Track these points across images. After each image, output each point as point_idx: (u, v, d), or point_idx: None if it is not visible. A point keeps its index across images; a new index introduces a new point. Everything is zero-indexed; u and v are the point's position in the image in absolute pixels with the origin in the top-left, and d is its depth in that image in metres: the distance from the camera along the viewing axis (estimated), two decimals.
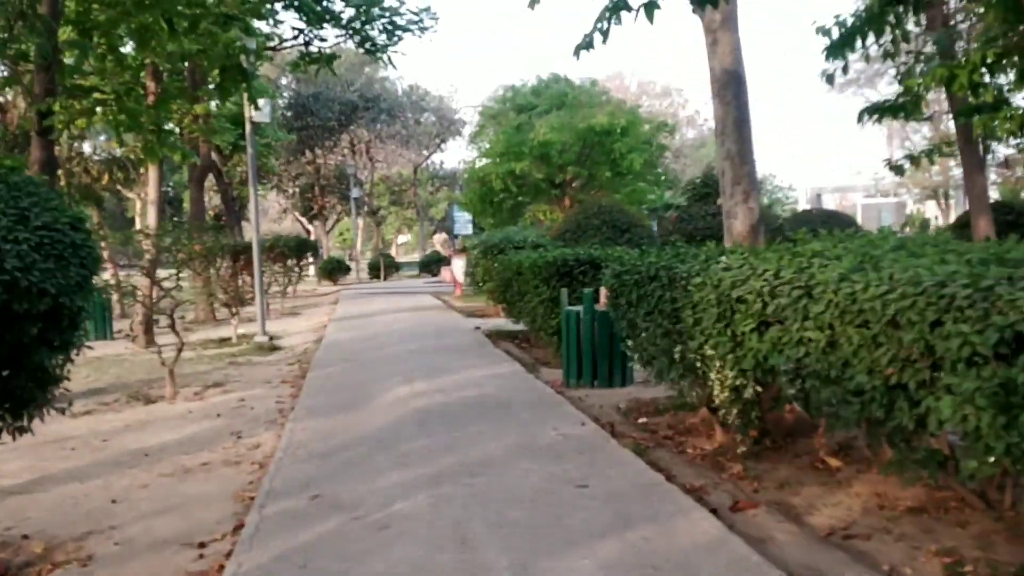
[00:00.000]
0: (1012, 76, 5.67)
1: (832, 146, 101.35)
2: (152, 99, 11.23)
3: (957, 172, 37.10)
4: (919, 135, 35.21)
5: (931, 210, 45.44)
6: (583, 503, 4.81)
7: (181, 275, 10.37)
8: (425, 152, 48.42)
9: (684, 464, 5.77)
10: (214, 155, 25.44)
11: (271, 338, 13.75)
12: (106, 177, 18.22)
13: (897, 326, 3.93)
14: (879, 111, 7.00)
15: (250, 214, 13.91)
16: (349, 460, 6.06)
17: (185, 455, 6.67)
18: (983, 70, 5.66)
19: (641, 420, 7.34)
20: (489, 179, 21.15)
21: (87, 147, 19.39)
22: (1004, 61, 5.96)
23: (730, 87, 7.13)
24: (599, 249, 10.57)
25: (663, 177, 23.85)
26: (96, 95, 9.75)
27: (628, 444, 6.18)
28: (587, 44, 5.29)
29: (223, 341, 14.68)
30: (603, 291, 9.27)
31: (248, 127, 13.53)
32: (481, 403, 8.04)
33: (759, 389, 5.51)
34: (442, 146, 47.26)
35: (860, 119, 7.30)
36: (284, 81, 39.90)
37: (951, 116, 12.65)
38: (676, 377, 6.44)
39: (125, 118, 9.64)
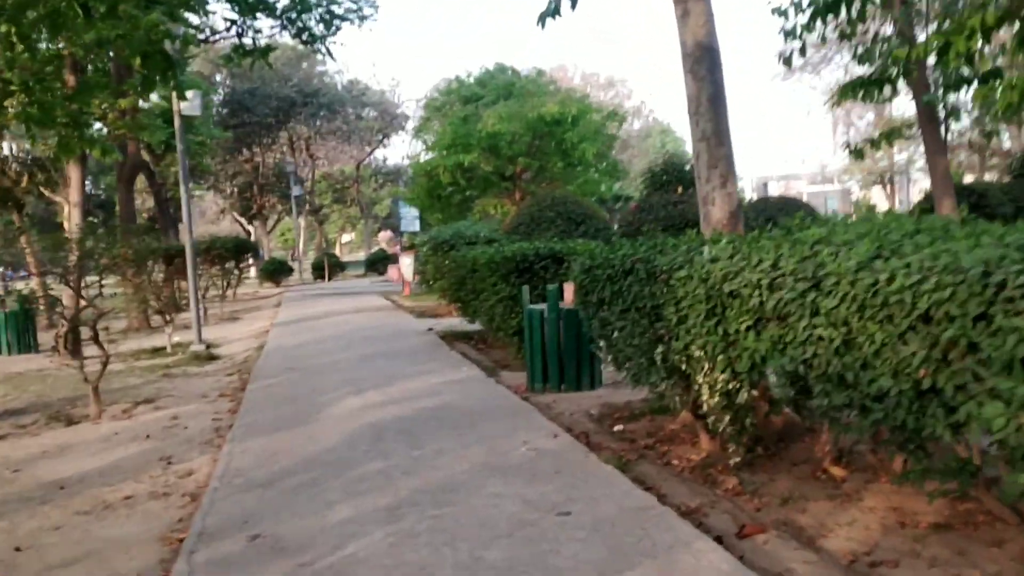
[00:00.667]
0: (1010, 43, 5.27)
1: (774, 135, 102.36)
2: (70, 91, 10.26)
3: (900, 158, 37.51)
4: (864, 121, 35.43)
5: (876, 196, 45.91)
6: (568, 535, 4.17)
7: (104, 282, 9.50)
8: (367, 148, 47.36)
9: (673, 479, 5.18)
10: (146, 155, 24.27)
11: (208, 347, 12.87)
12: (26, 179, 17.02)
13: (930, 321, 3.38)
14: (863, 85, 6.52)
15: (183, 214, 13.00)
16: (295, 489, 5.34)
17: (107, 487, 5.88)
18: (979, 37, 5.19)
19: (617, 427, 6.75)
20: (436, 172, 20.35)
21: (5, 148, 18.11)
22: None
23: (704, 62, 6.56)
24: (560, 242, 9.96)
25: (614, 167, 23.32)
26: (2, 87, 8.80)
27: (608, 458, 5.57)
28: (554, 10, 4.67)
29: (157, 351, 13.75)
30: (568, 287, 8.68)
31: (177, 121, 12.59)
32: (441, 414, 7.37)
33: (754, 393, 4.96)
34: (385, 142, 46.24)
35: (843, 96, 6.83)
36: (219, 77, 38.57)
37: (911, 98, 12.28)
38: (657, 380, 5.87)
39: (36, 111, 8.71)
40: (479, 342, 12.53)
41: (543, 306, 8.49)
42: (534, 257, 9.53)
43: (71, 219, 13.68)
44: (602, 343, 6.90)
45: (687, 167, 15.01)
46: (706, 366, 5.07)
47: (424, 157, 24.30)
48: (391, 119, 44.82)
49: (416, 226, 26.33)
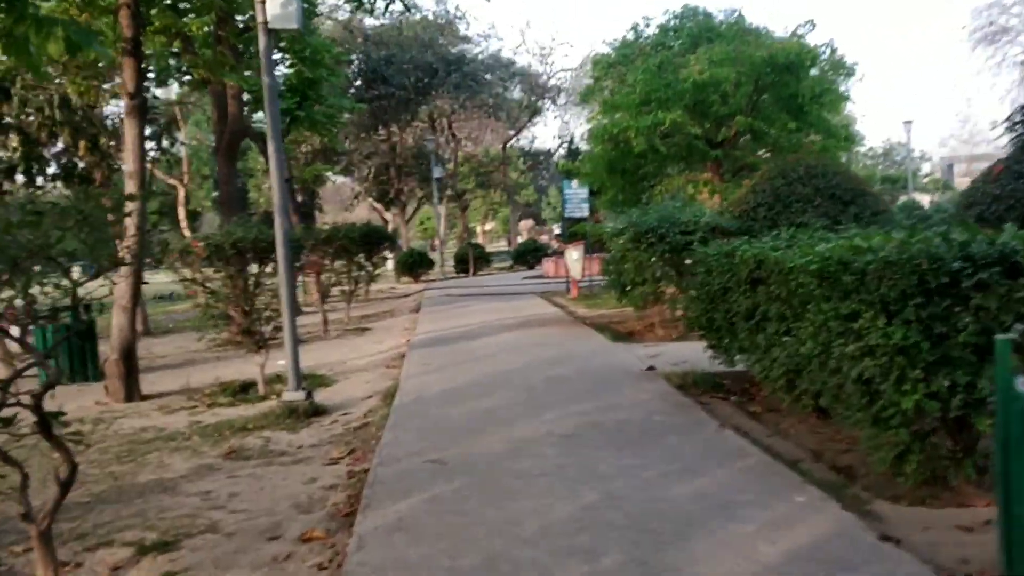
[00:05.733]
0: None
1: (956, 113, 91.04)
2: None
3: None
4: None
5: None
6: None
7: (88, 291, 4.97)
8: (512, 131, 42.57)
9: None
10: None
11: (309, 393, 8.27)
12: (82, 145, 12.86)
13: None
14: None
15: (272, 184, 8.49)
16: None
17: None
18: None
19: None
20: (625, 138, 15.17)
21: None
22: None
23: None
24: (1013, 234, 4.68)
25: (849, 133, 17.44)
26: None
27: None
28: None
29: (244, 390, 9.36)
30: None
31: (262, 40, 7.98)
32: None
33: None
34: (534, 119, 41.35)
35: None
36: (355, 44, 34.57)
37: None
38: None
39: None
40: (745, 397, 7.44)
41: None
42: (962, 265, 4.32)
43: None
44: None
45: None
46: None
47: (601, 120, 18.99)
48: (542, 92, 39.86)
49: (585, 211, 21.28)
